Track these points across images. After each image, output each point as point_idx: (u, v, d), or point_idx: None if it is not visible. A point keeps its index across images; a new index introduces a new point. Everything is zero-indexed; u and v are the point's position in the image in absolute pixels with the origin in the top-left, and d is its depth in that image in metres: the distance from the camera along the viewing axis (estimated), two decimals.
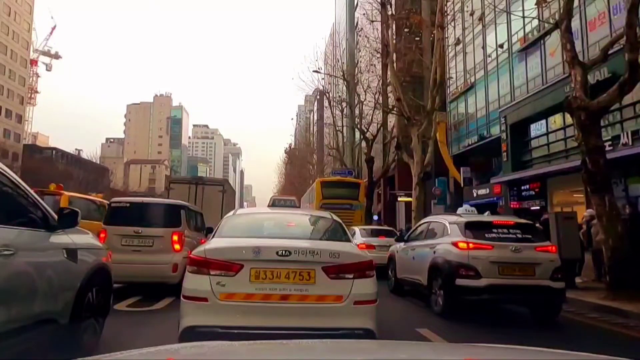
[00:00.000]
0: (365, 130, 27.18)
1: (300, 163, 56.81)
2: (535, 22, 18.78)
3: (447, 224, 7.40)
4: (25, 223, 3.31)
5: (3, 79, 66.34)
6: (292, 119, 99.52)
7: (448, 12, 21.93)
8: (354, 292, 3.65)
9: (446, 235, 7.21)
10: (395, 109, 20.75)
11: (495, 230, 6.87)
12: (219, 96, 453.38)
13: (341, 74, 31.44)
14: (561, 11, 9.57)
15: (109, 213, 8.14)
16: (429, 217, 9.67)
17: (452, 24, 25.60)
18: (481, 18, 22.32)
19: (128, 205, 8.42)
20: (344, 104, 32.78)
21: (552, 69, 19.51)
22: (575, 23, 11.55)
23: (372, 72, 26.05)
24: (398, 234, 13.19)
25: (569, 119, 15.13)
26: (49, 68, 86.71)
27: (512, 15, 18.99)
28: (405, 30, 23.37)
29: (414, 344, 3.04)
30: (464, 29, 26.98)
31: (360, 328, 3.62)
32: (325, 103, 40.78)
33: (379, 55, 23.96)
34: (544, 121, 19.98)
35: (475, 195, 25.27)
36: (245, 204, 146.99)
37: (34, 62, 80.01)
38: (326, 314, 3.63)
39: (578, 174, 9.55)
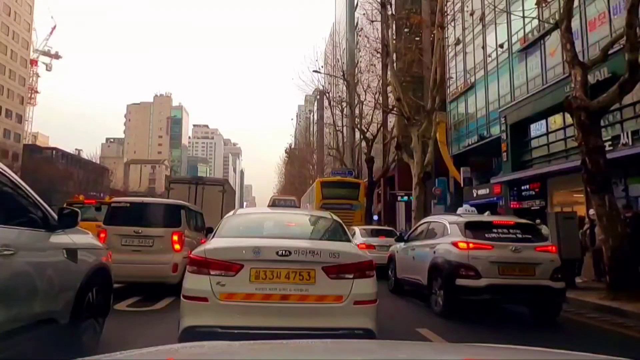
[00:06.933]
0: (365, 130, 27.18)
1: (300, 163, 56.80)
2: (535, 22, 18.75)
3: (447, 224, 7.41)
4: (25, 223, 3.31)
5: (3, 79, 66.30)
6: (292, 119, 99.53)
7: (448, 12, 21.92)
8: (354, 292, 3.65)
9: (446, 235, 7.21)
10: (395, 109, 20.74)
11: (495, 230, 6.88)
12: (219, 96, 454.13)
13: (341, 74, 31.45)
14: (561, 11, 9.56)
15: (109, 213, 8.15)
16: (429, 217, 9.67)
17: (452, 24, 25.58)
18: (481, 18, 22.33)
19: (128, 205, 8.44)
20: (344, 104, 32.77)
21: (552, 69, 19.48)
22: (575, 23, 11.55)
23: (372, 72, 26.05)
24: (398, 234, 13.19)
25: (569, 119, 15.10)
26: (49, 68, 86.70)
27: (512, 15, 18.94)
28: (405, 30, 23.38)
29: (414, 344, 3.04)
30: (464, 29, 26.95)
31: (360, 328, 3.62)
32: (325, 103, 40.77)
33: (379, 55, 23.96)
34: (544, 121, 19.96)
35: (475, 195, 25.24)
36: (245, 203, 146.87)
37: (34, 62, 79.96)
38: (326, 314, 3.63)
39: (578, 174, 9.54)
